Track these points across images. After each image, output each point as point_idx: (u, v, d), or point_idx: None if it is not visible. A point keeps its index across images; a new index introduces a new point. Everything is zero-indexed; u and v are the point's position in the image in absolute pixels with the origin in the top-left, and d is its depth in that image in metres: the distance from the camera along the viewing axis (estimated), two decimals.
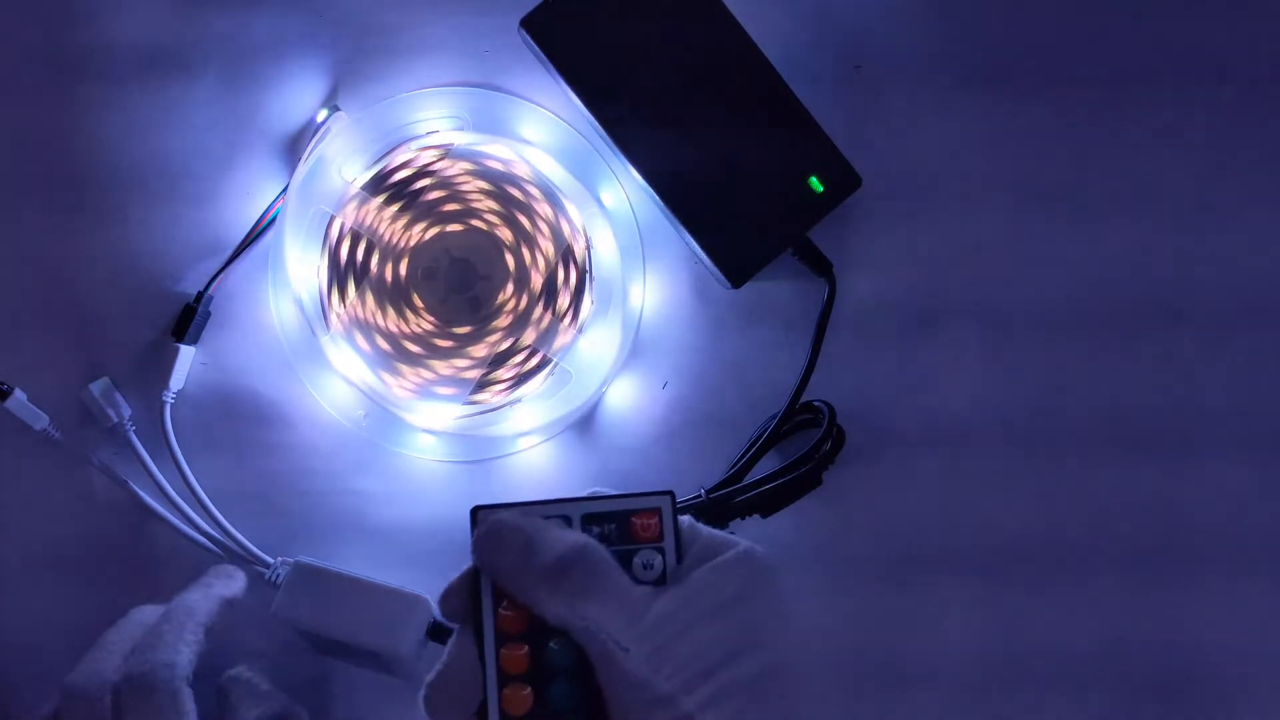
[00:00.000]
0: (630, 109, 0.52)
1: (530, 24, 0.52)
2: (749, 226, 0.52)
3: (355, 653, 0.49)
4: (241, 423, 0.53)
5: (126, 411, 0.52)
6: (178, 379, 0.52)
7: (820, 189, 0.52)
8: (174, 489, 0.51)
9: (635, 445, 0.54)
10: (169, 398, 0.52)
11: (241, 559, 0.51)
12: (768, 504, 0.50)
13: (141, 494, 0.52)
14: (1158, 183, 0.55)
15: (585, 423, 0.54)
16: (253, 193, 0.54)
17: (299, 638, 0.50)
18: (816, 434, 0.51)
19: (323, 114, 0.53)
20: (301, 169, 0.52)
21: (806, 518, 0.52)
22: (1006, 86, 0.55)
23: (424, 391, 0.53)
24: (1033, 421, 0.54)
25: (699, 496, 0.50)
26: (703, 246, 0.52)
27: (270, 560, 0.51)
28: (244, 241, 0.53)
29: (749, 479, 0.51)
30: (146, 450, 0.52)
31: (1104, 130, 0.55)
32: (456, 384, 0.53)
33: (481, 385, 0.53)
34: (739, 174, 0.52)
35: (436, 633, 0.49)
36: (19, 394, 0.51)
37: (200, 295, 0.52)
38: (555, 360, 0.53)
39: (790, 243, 0.52)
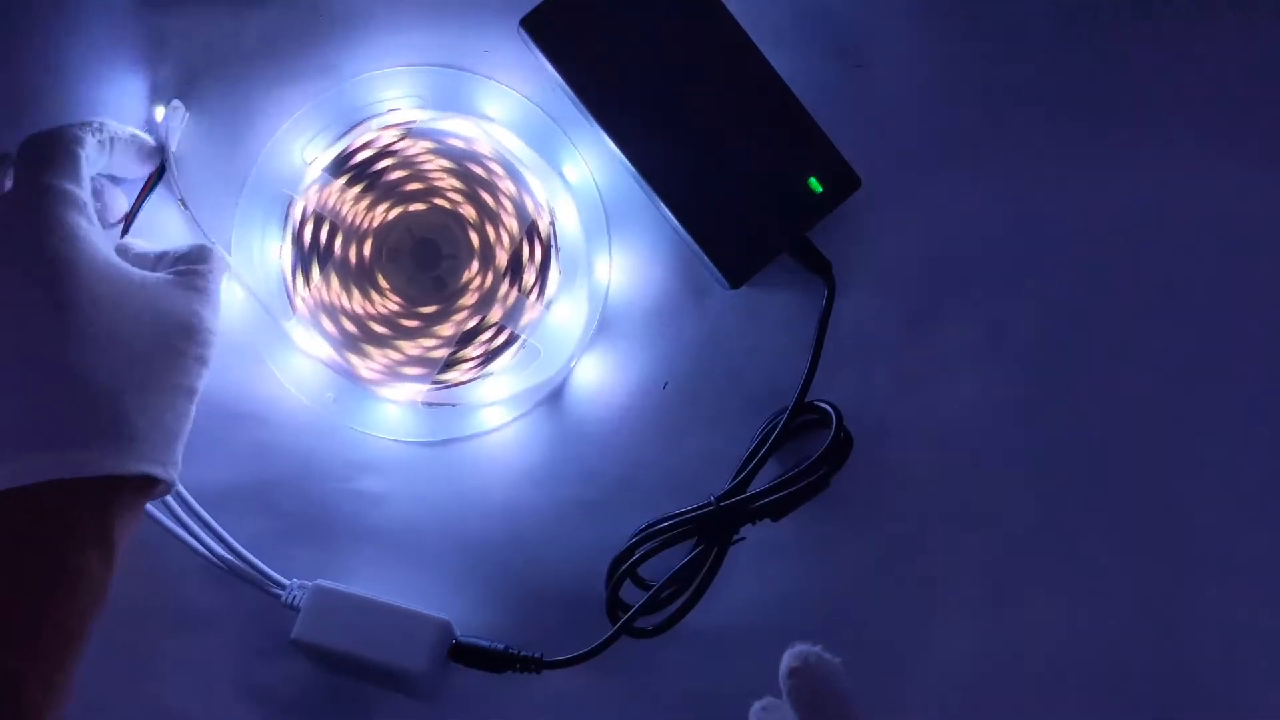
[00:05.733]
0: (630, 109, 0.52)
1: (530, 24, 0.52)
2: (748, 227, 0.52)
3: (377, 674, 0.49)
4: (217, 419, 0.52)
5: None
6: None
7: (819, 189, 0.52)
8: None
9: (636, 445, 0.53)
10: None
11: (252, 582, 0.51)
12: (778, 508, 0.50)
13: (156, 514, 0.50)
14: (1158, 182, 0.55)
15: (584, 423, 0.53)
16: None
17: (318, 662, 0.50)
18: (819, 434, 0.50)
19: (161, 111, 0.52)
20: (173, 168, 0.51)
21: (808, 517, 0.51)
22: (1006, 86, 0.55)
23: (392, 372, 0.53)
24: (1033, 421, 0.54)
25: (709, 504, 0.50)
26: (702, 246, 0.52)
27: (285, 582, 0.51)
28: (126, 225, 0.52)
29: (757, 487, 0.50)
30: None
31: (1104, 129, 0.55)
32: (424, 364, 0.52)
33: (450, 364, 0.53)
34: (738, 174, 0.52)
35: (458, 654, 0.49)
36: None
37: None
38: (523, 336, 0.53)
39: (789, 243, 0.52)
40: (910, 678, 0.52)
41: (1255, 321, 0.54)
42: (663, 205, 0.52)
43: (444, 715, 0.51)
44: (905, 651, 0.52)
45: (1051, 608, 0.53)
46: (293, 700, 0.52)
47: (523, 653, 0.49)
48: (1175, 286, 0.54)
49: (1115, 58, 0.55)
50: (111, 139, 0.48)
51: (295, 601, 0.50)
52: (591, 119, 0.52)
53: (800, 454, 0.51)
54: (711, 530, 0.50)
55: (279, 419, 0.53)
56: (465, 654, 0.49)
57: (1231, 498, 0.53)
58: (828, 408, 0.51)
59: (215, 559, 0.51)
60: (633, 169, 0.52)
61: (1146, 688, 0.52)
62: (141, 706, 0.51)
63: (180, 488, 0.50)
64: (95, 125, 0.48)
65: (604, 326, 0.54)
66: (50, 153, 0.45)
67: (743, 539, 0.50)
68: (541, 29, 0.52)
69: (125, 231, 0.51)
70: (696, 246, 0.52)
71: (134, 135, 0.50)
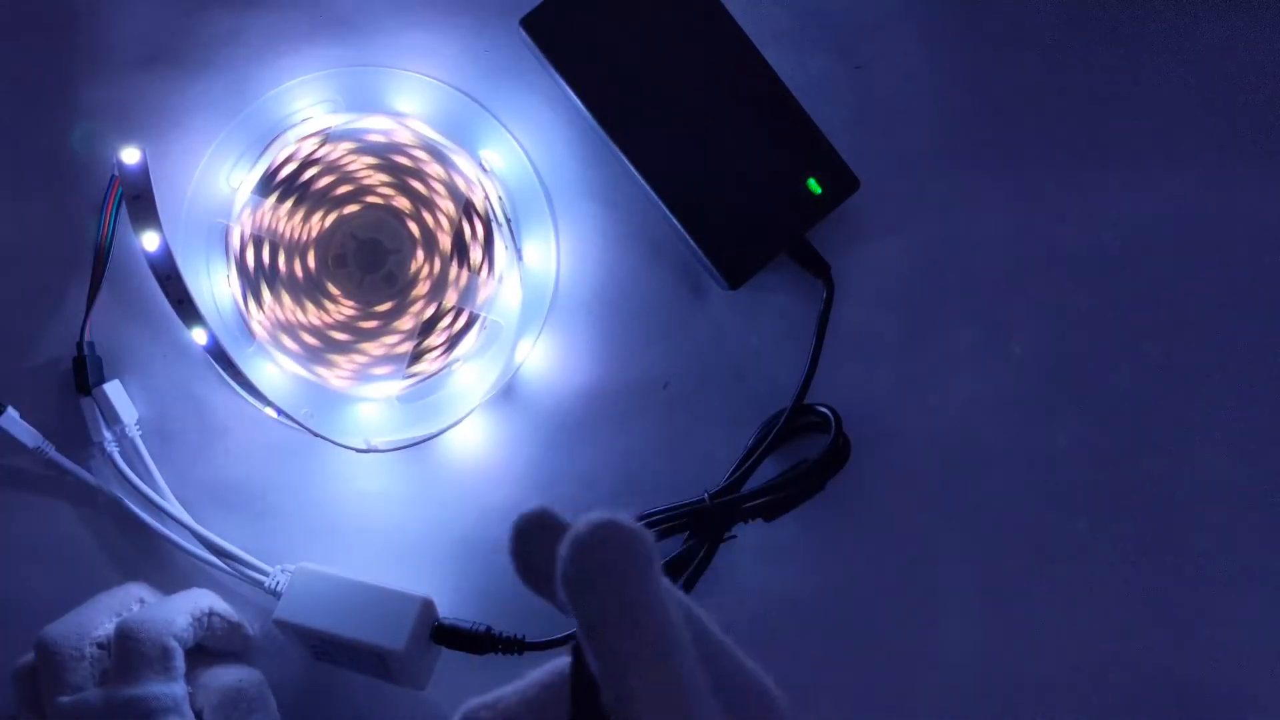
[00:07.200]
0: (630, 109, 0.52)
1: (530, 24, 0.52)
2: (747, 227, 0.51)
3: (357, 655, 0.49)
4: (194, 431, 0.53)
5: (111, 433, 0.52)
6: (127, 413, 0.52)
7: (819, 190, 0.52)
8: (164, 501, 0.52)
9: (635, 447, 0.53)
10: (133, 431, 0.52)
11: (235, 574, 0.51)
12: (771, 509, 0.49)
13: (139, 512, 0.52)
14: (1158, 181, 0.54)
15: (581, 425, 0.53)
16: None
17: (300, 645, 0.50)
18: (818, 437, 0.50)
19: (134, 153, 0.51)
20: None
21: (807, 518, 0.51)
22: (1006, 87, 0.55)
23: (362, 375, 0.53)
24: (1032, 422, 0.53)
25: (702, 500, 0.49)
26: (701, 246, 0.52)
27: (269, 569, 0.51)
28: (97, 269, 0.52)
29: (752, 484, 0.50)
30: (134, 470, 0.52)
31: (1104, 130, 0.54)
32: (391, 361, 0.53)
33: (417, 356, 0.53)
34: (737, 175, 0.52)
35: (441, 635, 0.49)
36: (11, 411, 0.51)
37: (80, 343, 0.52)
38: (482, 314, 0.53)
39: (788, 244, 0.52)
40: (909, 680, 0.52)
41: (1255, 324, 0.54)
42: (662, 205, 0.52)
43: (429, 704, 0.51)
44: (904, 653, 0.52)
45: (1051, 610, 0.52)
46: (278, 693, 0.51)
47: (505, 634, 0.49)
48: (1175, 286, 0.54)
49: (1116, 59, 0.55)
50: (209, 614, 0.48)
51: (279, 587, 0.50)
52: (591, 118, 0.52)
53: (800, 454, 0.51)
54: (703, 526, 0.49)
55: (251, 429, 0.53)
56: (447, 635, 0.49)
57: (1231, 500, 0.53)
58: (827, 412, 0.50)
59: (198, 555, 0.52)
60: (632, 168, 0.52)
61: (1147, 690, 0.52)
62: None
63: (159, 499, 0.51)
64: (192, 606, 0.47)
65: (563, 305, 0.54)
66: (140, 648, 0.44)
67: (734, 537, 0.50)
68: (541, 29, 0.52)
69: (100, 264, 0.52)
70: (696, 246, 0.52)
71: (238, 624, 0.49)
